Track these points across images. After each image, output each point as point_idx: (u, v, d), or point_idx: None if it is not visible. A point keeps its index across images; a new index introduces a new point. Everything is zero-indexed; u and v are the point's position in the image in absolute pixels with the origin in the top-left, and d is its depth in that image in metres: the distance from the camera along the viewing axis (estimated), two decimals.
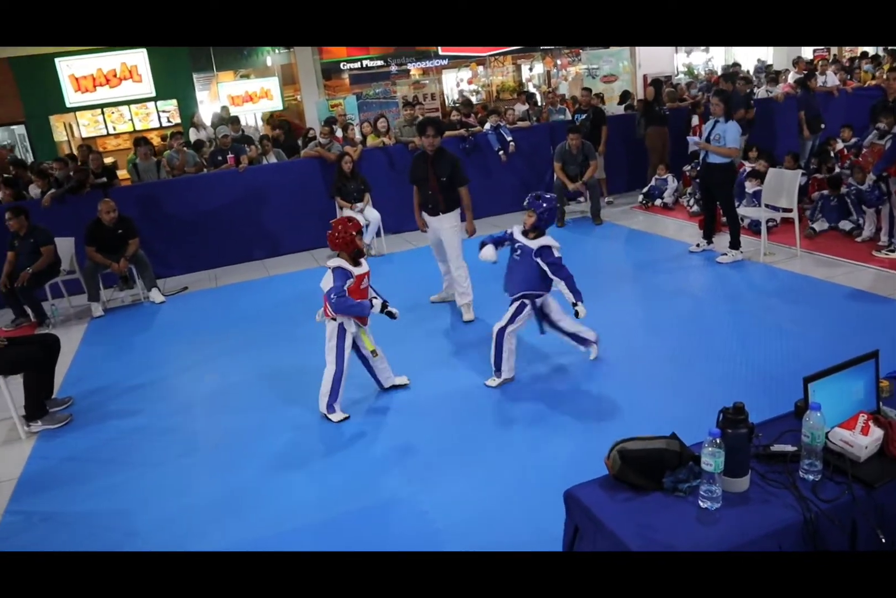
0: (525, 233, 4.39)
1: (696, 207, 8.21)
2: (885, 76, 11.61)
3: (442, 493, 3.49)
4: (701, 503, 2.02)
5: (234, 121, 9.91)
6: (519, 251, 4.39)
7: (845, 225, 7.16)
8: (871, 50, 21.55)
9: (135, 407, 4.84)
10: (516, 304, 4.45)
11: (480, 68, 16.02)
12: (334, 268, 4.20)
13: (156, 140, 11.40)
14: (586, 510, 2.07)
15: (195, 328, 6.32)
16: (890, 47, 18.20)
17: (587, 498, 2.11)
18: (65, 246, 7.03)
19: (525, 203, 4.40)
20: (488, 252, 4.58)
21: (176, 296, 7.37)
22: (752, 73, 15.12)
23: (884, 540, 1.97)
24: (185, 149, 8.85)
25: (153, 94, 12.80)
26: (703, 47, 18.45)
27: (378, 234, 8.08)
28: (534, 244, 4.31)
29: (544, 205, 4.30)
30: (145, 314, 6.91)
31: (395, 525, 3.26)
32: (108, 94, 12.58)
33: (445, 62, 15.13)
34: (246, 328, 6.15)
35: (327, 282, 4.20)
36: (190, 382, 5.22)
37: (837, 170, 7.92)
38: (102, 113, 12.79)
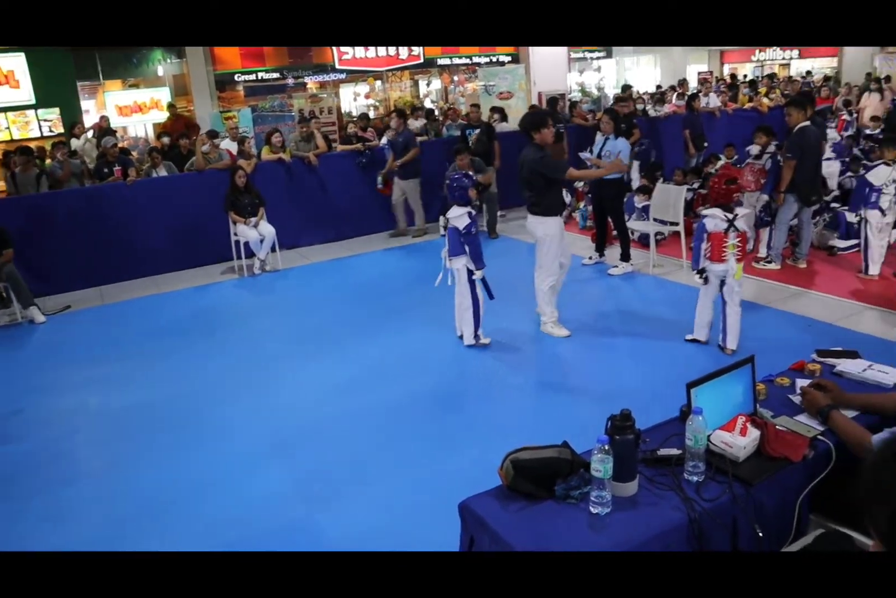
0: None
1: (590, 222, 8.47)
2: (762, 99, 12.47)
3: (337, 511, 3.43)
4: (592, 509, 2.05)
5: (110, 132, 9.58)
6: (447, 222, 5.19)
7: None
8: (749, 74, 23.05)
9: (16, 433, 4.54)
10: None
11: (378, 83, 16.06)
12: None
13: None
14: (481, 520, 2.07)
15: (79, 349, 5.97)
16: (767, 73, 19.51)
17: (481, 509, 2.10)
18: None
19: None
20: None
21: (58, 315, 6.97)
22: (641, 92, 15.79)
23: (761, 534, 2.06)
24: (69, 159, 8.43)
25: (33, 102, 12.15)
26: (595, 67, 19.15)
27: (273, 249, 7.92)
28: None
29: (452, 184, 5.11)
30: (24, 335, 6.49)
31: (289, 547, 3.16)
32: None
33: (343, 76, 15.08)
34: (134, 348, 5.87)
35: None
36: (72, 408, 4.91)
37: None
38: None
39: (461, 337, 5.32)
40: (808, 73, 20.11)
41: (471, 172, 5.63)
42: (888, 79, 14.16)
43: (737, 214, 4.67)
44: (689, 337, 5.08)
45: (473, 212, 5.11)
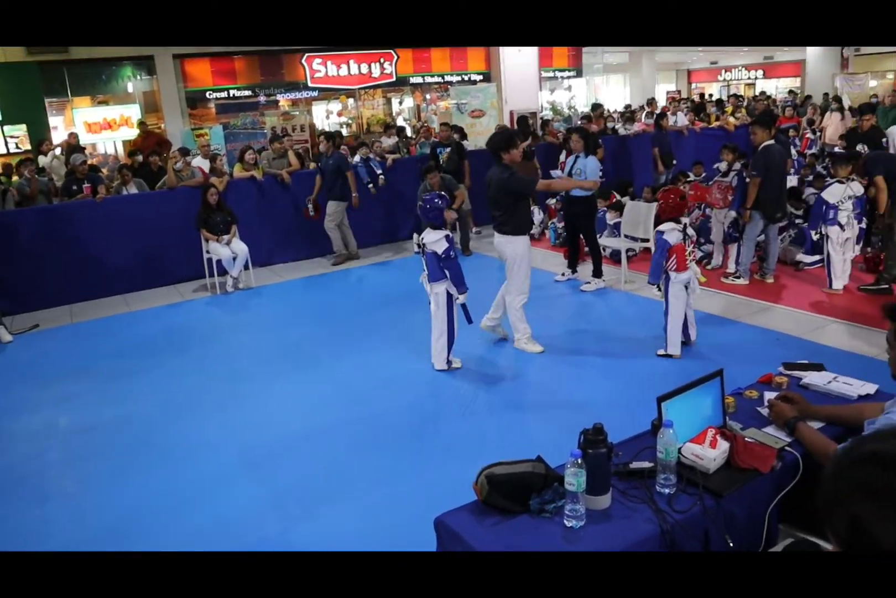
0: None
1: (560, 239, 8.56)
2: (728, 118, 12.74)
3: (311, 528, 3.41)
4: (566, 522, 2.07)
5: (78, 149, 9.49)
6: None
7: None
8: (715, 94, 23.57)
9: None
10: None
11: (351, 101, 16.13)
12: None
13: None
14: (456, 535, 2.08)
15: (48, 368, 5.88)
16: (732, 93, 19.99)
17: (456, 524, 2.11)
18: None
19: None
20: None
21: (26, 334, 6.86)
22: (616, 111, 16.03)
23: (731, 544, 2.09)
24: (37, 177, 8.34)
25: None
26: (566, 86, 19.42)
27: (246, 267, 7.89)
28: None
29: (426, 206, 4.96)
30: None
31: None
32: None
33: (315, 94, 15.12)
34: (104, 367, 5.80)
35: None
36: (40, 428, 4.82)
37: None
38: None
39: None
40: (763, 92, 20.69)
41: (443, 193, 5.49)
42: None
43: (685, 223, 5.04)
44: (661, 352, 5.14)
45: (451, 235, 5.01)
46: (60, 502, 3.85)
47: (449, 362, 5.13)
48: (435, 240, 4.89)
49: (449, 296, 4.97)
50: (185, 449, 4.31)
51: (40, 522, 3.66)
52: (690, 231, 5.11)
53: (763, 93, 20.69)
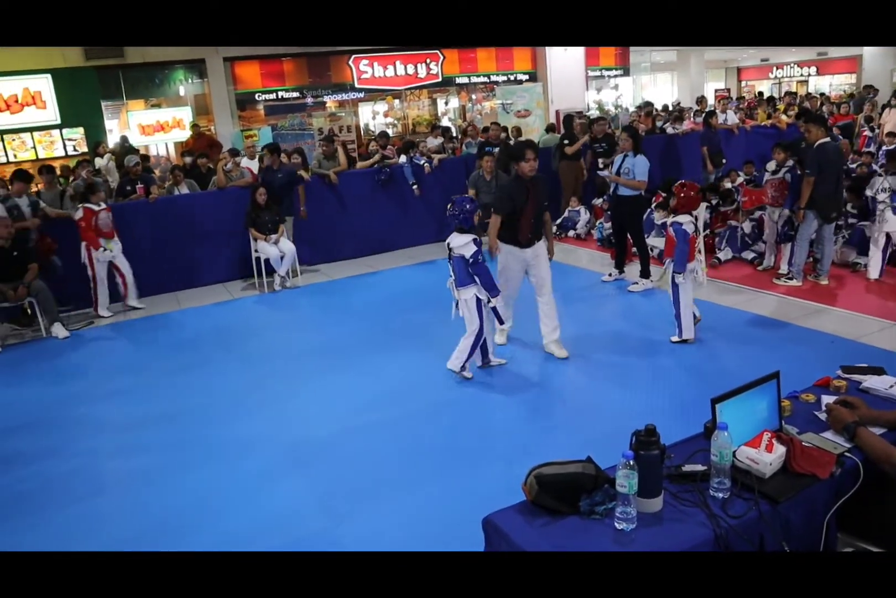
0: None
1: (606, 240, 8.47)
2: (781, 116, 12.46)
3: (358, 526, 3.42)
4: (617, 525, 2.04)
5: (132, 151, 9.71)
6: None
7: (748, 255, 7.53)
8: (766, 92, 23.06)
9: (36, 448, 4.57)
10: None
11: (396, 101, 16.21)
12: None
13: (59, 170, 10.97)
14: (505, 536, 2.06)
15: (101, 365, 6.04)
16: (786, 91, 19.51)
17: (505, 524, 2.10)
18: None
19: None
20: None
21: (81, 330, 7.05)
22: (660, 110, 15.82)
23: (788, 552, 2.03)
24: (92, 178, 8.56)
25: (58, 122, 12.36)
26: (612, 85, 19.23)
27: (293, 266, 7.99)
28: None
29: (454, 210, 4.84)
30: (47, 351, 6.56)
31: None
32: (9, 120, 12.08)
33: (362, 95, 15.23)
34: (154, 363, 5.93)
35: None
36: (94, 422, 4.95)
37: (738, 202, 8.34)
38: (2, 140, 12.24)
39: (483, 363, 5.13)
40: (823, 93, 20.01)
41: (473, 197, 5.15)
42: None
43: (696, 216, 5.30)
44: (675, 339, 5.37)
45: (479, 239, 4.84)
46: (107, 498, 3.93)
47: (463, 368, 4.99)
48: (462, 244, 4.76)
49: (478, 299, 4.85)
50: (231, 446, 4.37)
51: (87, 516, 3.74)
52: (700, 224, 5.36)
53: (822, 94, 20.04)
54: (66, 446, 4.58)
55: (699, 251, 5.35)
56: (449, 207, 4.91)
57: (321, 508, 3.63)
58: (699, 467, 2.23)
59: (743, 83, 29.40)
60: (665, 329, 5.73)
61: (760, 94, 20.10)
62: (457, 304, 4.95)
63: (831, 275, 6.68)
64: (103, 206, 7.31)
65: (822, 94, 19.19)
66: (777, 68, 28.17)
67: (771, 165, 7.13)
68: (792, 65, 27.55)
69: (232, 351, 6.09)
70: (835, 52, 25.23)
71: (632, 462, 2.00)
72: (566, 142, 9.58)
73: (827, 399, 2.64)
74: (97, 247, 7.21)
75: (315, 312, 7.20)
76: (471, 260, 4.74)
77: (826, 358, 4.63)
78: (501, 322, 5.10)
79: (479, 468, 3.84)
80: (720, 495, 2.13)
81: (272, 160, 8.24)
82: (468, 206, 4.82)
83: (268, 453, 4.25)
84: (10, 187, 7.52)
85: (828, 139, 6.38)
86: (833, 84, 25.59)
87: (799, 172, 6.57)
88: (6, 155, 12.33)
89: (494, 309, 4.89)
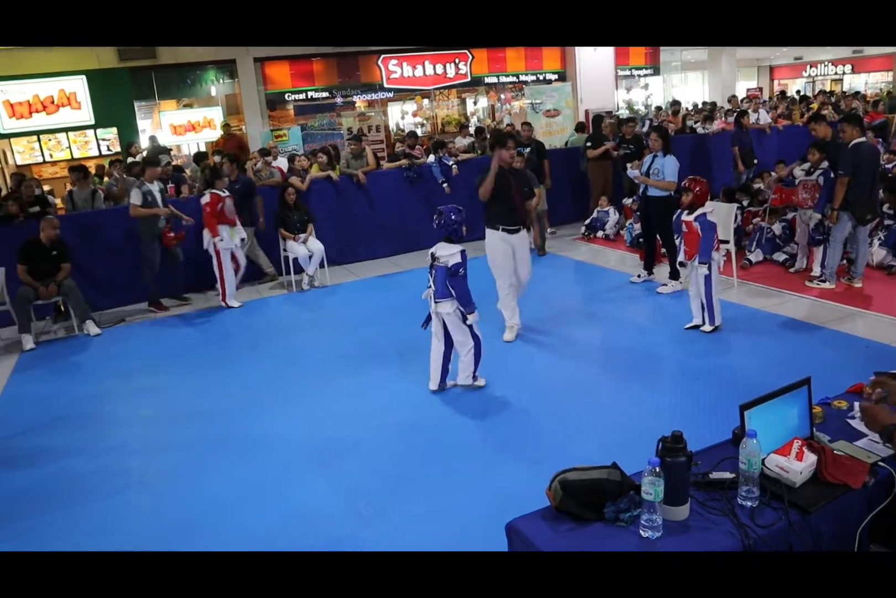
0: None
1: (639, 240, 8.39)
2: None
3: (382, 528, 3.42)
4: (642, 533, 2.01)
5: (164, 151, 9.82)
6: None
7: (779, 256, 7.41)
8: (801, 91, 22.64)
9: (67, 444, 4.63)
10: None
11: (426, 101, 16.22)
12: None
13: (93, 168, 11.14)
14: (528, 541, 2.05)
15: (131, 362, 6.11)
16: (820, 90, 19.14)
17: (529, 530, 2.08)
18: None
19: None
20: None
21: (113, 328, 7.15)
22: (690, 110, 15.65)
23: None
24: (124, 177, 8.68)
25: (92, 122, 12.55)
26: (642, 84, 19.05)
27: (321, 265, 8.02)
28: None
29: (442, 220, 4.68)
30: (79, 347, 6.67)
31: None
32: (45, 121, 12.30)
33: (391, 95, 15.27)
34: (183, 361, 5.99)
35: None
36: (123, 418, 5.02)
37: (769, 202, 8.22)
38: (39, 140, 12.47)
39: (438, 387, 4.91)
40: (858, 92, 19.56)
41: (460, 207, 4.77)
42: None
43: (710, 210, 5.55)
44: (708, 329, 5.57)
45: (465, 251, 4.60)
46: (135, 494, 3.98)
47: (475, 378, 4.90)
48: (448, 254, 4.55)
49: (463, 316, 4.64)
50: (257, 445, 4.39)
51: (116, 513, 3.79)
52: (713, 217, 5.52)
53: (858, 93, 19.61)
54: (94, 443, 4.64)
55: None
56: (435, 217, 4.69)
57: (346, 510, 3.62)
58: (727, 475, 2.19)
59: (775, 82, 28.96)
60: (693, 332, 5.66)
61: (782, 93, 19.74)
62: (429, 318, 4.79)
63: (865, 277, 6.54)
64: (227, 193, 7.38)
65: (857, 93, 18.80)
66: (811, 67, 27.69)
67: (804, 167, 6.99)
68: (826, 63, 27.06)
69: (260, 349, 6.13)
70: (870, 49, 24.73)
71: (658, 469, 1.97)
72: (589, 144, 9.54)
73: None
74: (216, 235, 7.26)
75: (344, 311, 7.22)
76: (452, 269, 4.52)
77: (860, 363, 4.54)
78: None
79: (502, 473, 3.82)
80: (748, 503, 2.09)
81: (230, 170, 8.00)
82: (454, 216, 4.63)
83: (291, 453, 4.26)
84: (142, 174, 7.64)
85: (863, 139, 6.25)
86: (869, 82, 25.10)
87: (832, 175, 6.44)
88: (42, 155, 12.56)
89: (471, 327, 4.71)
